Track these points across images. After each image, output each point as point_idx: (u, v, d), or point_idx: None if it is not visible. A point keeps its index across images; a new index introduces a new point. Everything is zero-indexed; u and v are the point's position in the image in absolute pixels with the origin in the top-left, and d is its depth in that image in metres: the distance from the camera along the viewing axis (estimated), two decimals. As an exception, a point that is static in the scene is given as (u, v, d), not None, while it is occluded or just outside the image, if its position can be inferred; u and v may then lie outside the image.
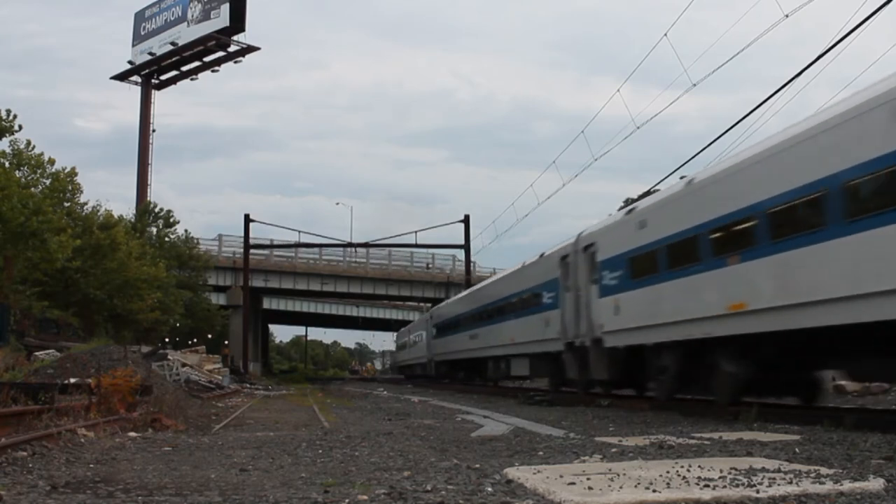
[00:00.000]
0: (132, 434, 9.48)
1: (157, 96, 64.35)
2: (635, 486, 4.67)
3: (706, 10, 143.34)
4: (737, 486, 4.69)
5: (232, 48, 62.76)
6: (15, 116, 27.35)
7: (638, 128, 19.68)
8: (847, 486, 4.68)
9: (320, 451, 7.63)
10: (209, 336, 57.28)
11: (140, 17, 65.37)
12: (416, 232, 47.84)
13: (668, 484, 4.77)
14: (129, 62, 64.35)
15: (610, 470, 5.44)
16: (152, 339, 40.66)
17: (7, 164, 26.33)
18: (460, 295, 36.09)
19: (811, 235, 9.66)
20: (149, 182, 60.59)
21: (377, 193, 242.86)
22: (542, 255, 21.28)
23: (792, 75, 14.13)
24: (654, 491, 4.52)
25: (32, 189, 26.46)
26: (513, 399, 19.58)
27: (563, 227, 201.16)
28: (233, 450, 7.92)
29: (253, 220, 47.38)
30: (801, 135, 10.14)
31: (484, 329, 27.28)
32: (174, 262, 46.11)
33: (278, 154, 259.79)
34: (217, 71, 65.18)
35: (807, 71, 13.58)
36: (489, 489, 4.93)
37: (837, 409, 11.51)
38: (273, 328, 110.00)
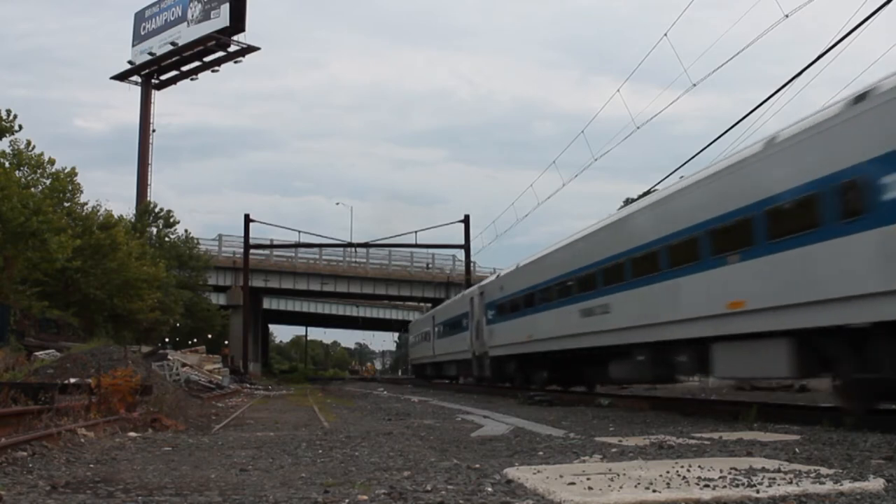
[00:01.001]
0: (132, 434, 9.48)
1: (157, 96, 64.54)
2: (635, 486, 4.67)
3: (706, 10, 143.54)
4: (737, 486, 4.69)
5: (232, 48, 62.86)
6: (15, 116, 27.49)
7: (638, 128, 19.58)
8: (847, 486, 4.68)
9: (320, 451, 7.63)
10: (209, 336, 57.33)
11: (140, 17, 65.43)
12: (416, 232, 47.79)
13: (668, 484, 4.76)
14: (129, 62, 64.41)
15: (610, 470, 5.44)
16: (152, 339, 40.69)
17: (7, 164, 26.37)
18: (550, 249, 20.92)
19: None
20: (149, 182, 60.71)
21: (377, 193, 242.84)
22: (862, 95, 9.34)
23: (792, 75, 14.00)
24: (654, 491, 4.52)
25: (32, 189, 26.51)
26: (513, 399, 19.58)
27: (563, 227, 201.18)
28: (233, 450, 7.92)
29: (253, 221, 47.39)
30: None
31: (623, 295, 15.06)
32: (174, 262, 46.17)
33: (278, 154, 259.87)
34: (217, 71, 65.34)
35: (807, 71, 13.50)
36: (489, 489, 4.93)
37: (837, 409, 11.48)
38: (273, 328, 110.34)
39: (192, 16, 61.86)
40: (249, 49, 63.04)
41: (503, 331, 24.28)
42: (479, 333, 27.31)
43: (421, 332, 43.68)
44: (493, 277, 27.88)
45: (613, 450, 7.27)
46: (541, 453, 7.24)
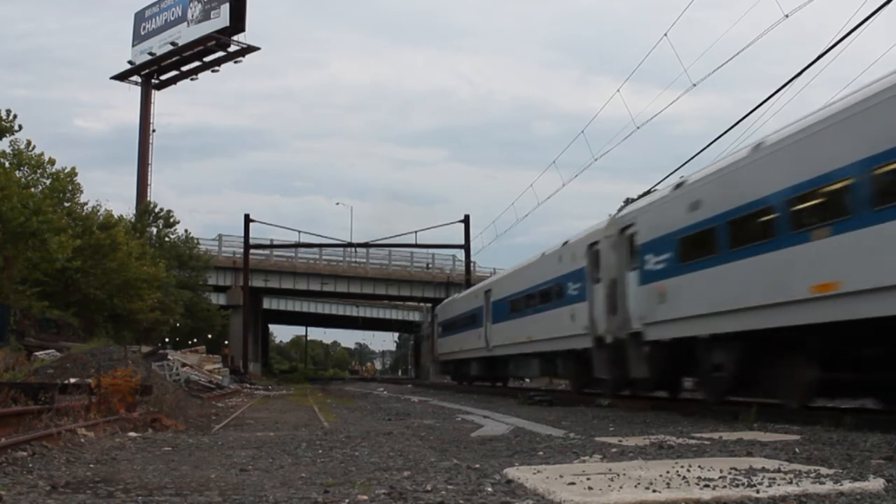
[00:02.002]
0: (132, 434, 9.48)
1: (157, 96, 64.51)
2: (635, 486, 4.67)
3: (706, 10, 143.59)
4: (737, 486, 4.69)
5: (232, 48, 62.84)
6: (15, 116, 27.51)
7: (638, 128, 19.41)
8: (847, 486, 4.68)
9: (320, 451, 7.63)
10: (209, 336, 57.33)
11: (140, 17, 65.43)
12: (416, 232, 47.71)
13: (668, 484, 4.77)
14: (129, 62, 64.41)
15: (610, 470, 5.44)
16: (152, 339, 40.68)
17: (7, 164, 26.38)
18: None
19: None
20: (149, 182, 60.70)
21: (377, 193, 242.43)
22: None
23: (792, 75, 13.88)
24: (654, 491, 4.52)
25: (32, 189, 26.51)
26: (513, 399, 19.59)
27: (563, 227, 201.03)
28: (233, 450, 7.92)
29: (253, 221, 47.41)
30: None
31: None
32: (174, 262, 46.17)
33: (278, 154, 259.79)
34: (217, 71, 65.30)
35: (807, 71, 13.39)
36: (489, 489, 4.93)
37: (837, 409, 11.47)
38: (273, 328, 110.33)
39: (192, 16, 61.86)
40: (249, 49, 63.05)
41: (703, 286, 12.47)
42: (618, 302, 15.78)
43: (458, 317, 31.94)
44: (664, 191, 15.07)
45: (613, 450, 7.27)
46: (541, 453, 7.24)
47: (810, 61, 13.51)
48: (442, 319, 36.61)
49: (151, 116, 62.88)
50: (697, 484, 4.76)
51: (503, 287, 25.53)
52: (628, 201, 32.77)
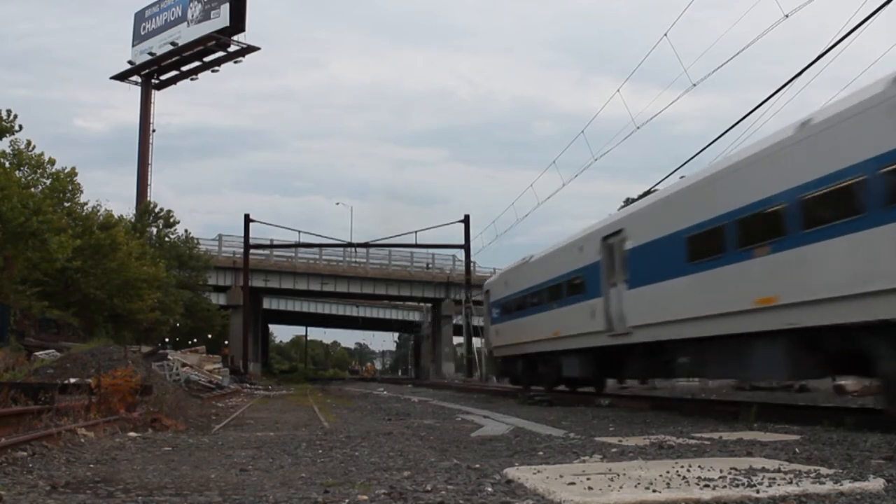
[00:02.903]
0: (132, 434, 9.48)
1: (157, 96, 64.57)
2: (635, 486, 4.67)
3: (706, 10, 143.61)
4: (737, 486, 4.69)
5: (232, 48, 62.91)
6: (15, 116, 27.52)
7: (638, 128, 19.36)
8: (847, 486, 4.68)
9: (320, 451, 7.63)
10: (209, 336, 57.33)
11: (140, 17, 65.48)
12: (416, 232, 47.79)
13: (668, 484, 4.77)
14: (129, 62, 64.46)
15: (610, 470, 5.44)
16: (152, 339, 40.69)
17: (7, 164, 26.38)
18: None
19: None
20: (149, 182, 60.76)
21: (377, 193, 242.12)
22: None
23: (792, 75, 13.86)
24: (654, 491, 4.52)
25: (32, 189, 26.52)
26: (513, 399, 19.59)
27: (563, 227, 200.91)
28: (233, 450, 7.92)
29: (253, 221, 47.47)
30: None
31: None
32: (174, 262, 46.18)
33: (278, 154, 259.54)
34: (217, 71, 65.38)
35: (807, 71, 13.35)
36: (489, 489, 4.93)
37: (837, 409, 11.49)
38: (273, 328, 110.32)
39: (192, 16, 61.90)
40: (249, 49, 63.10)
41: None
42: None
43: (535, 290, 20.74)
44: None
45: (613, 450, 7.27)
46: (541, 453, 7.24)
47: (810, 61, 13.49)
48: (500, 297, 24.26)
49: (151, 116, 62.97)
50: (697, 484, 4.76)
51: (656, 221, 14.05)
52: (628, 201, 32.77)
